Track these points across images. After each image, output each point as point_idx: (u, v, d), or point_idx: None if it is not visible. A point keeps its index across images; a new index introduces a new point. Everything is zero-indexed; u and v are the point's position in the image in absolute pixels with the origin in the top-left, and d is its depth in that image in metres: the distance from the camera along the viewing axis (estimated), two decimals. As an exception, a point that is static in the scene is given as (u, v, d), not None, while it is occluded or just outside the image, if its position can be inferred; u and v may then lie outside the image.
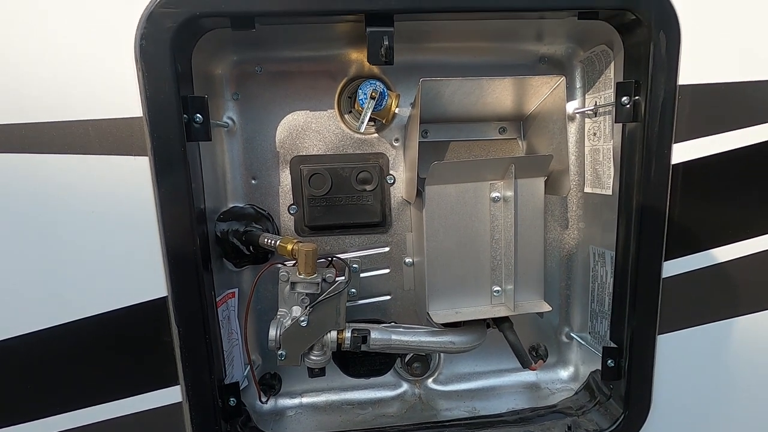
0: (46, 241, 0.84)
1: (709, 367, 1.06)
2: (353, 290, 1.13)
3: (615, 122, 0.98)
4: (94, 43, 0.79)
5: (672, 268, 0.98)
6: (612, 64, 0.99)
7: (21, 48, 0.78)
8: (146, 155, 0.82)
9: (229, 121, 1.04)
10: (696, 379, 1.06)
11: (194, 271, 0.87)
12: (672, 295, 0.99)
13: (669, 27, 0.87)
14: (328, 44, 1.01)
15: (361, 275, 1.13)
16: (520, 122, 1.12)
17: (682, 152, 0.93)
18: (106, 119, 0.81)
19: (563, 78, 0.91)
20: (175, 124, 0.81)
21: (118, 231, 0.85)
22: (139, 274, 0.87)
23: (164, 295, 0.88)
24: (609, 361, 1.04)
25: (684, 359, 1.04)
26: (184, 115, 0.83)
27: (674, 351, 1.02)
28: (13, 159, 0.81)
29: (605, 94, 1.03)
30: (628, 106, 0.94)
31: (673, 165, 0.93)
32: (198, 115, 0.85)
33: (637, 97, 0.92)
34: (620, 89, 0.94)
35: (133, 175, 0.83)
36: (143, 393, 0.91)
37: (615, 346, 1.04)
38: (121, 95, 0.80)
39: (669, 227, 0.95)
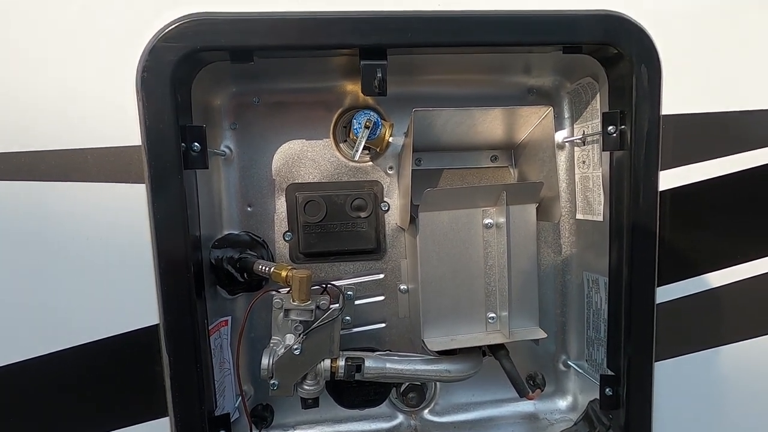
0: (38, 268, 0.84)
1: (708, 394, 1.04)
2: (347, 318, 1.12)
3: (602, 150, 1.00)
4: (96, 75, 0.82)
5: (666, 293, 0.98)
6: (598, 95, 1.03)
7: (24, 76, 0.81)
8: (143, 182, 0.83)
9: (227, 150, 1.06)
10: (696, 406, 1.04)
11: (187, 298, 0.87)
12: (667, 321, 0.99)
13: (649, 61, 0.91)
14: (324, 76, 1.05)
15: (356, 302, 1.13)
16: (512, 150, 1.15)
17: (669, 179, 0.95)
18: (106, 147, 0.83)
19: (551, 108, 0.94)
20: (173, 153, 0.83)
21: (112, 257, 0.85)
22: (131, 302, 0.86)
23: (156, 323, 0.87)
24: (607, 390, 1.03)
25: (683, 386, 1.02)
26: (182, 144, 0.84)
27: (673, 378, 1.01)
28: (11, 186, 0.82)
29: (593, 123, 1.06)
30: (614, 135, 0.97)
31: (660, 192, 0.95)
32: (196, 143, 0.87)
33: (623, 127, 0.95)
34: (606, 119, 0.97)
35: (129, 202, 0.84)
36: (130, 425, 0.89)
37: (612, 374, 1.03)
38: (120, 124, 0.82)
39: (660, 253, 0.96)
